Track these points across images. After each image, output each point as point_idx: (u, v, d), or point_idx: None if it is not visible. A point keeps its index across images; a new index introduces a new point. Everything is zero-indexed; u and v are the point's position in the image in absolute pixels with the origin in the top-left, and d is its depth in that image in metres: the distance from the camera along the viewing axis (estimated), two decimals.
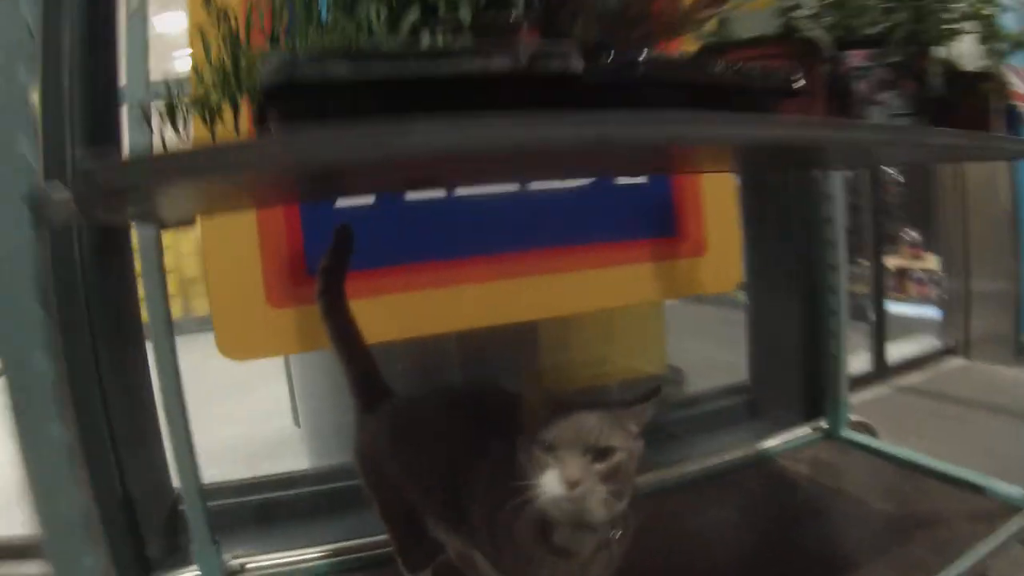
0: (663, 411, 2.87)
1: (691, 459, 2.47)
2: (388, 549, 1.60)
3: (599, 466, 1.08)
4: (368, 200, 2.23)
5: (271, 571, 1.96)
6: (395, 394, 1.64)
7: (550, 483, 1.08)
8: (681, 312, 4.58)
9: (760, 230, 3.19)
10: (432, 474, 1.39)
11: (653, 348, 3.28)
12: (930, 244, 5.69)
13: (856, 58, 1.54)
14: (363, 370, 1.63)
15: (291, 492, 2.53)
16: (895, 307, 5.59)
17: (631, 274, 2.62)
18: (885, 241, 5.70)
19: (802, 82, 1.24)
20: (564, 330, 2.83)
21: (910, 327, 5.18)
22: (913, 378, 4.32)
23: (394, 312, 2.24)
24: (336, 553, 1.99)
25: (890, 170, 6.14)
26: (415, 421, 1.49)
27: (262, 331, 2.10)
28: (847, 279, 2.72)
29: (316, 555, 2.00)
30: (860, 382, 4.10)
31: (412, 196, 2.27)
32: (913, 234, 6.13)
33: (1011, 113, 1.81)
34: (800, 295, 2.96)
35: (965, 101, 1.66)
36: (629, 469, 1.13)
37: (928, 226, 5.36)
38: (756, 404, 3.10)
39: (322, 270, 1.65)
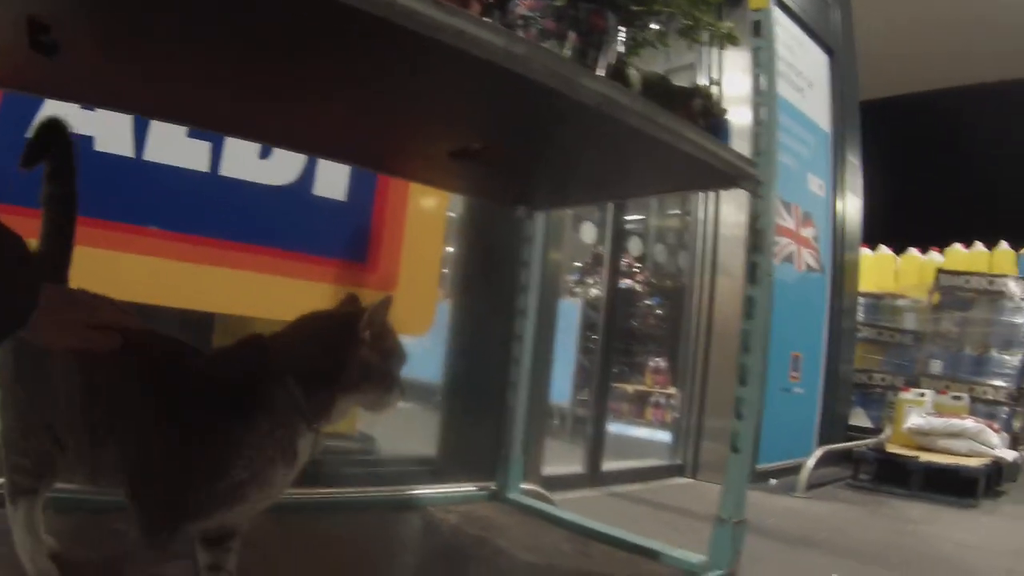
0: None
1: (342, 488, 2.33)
2: None
3: None
4: None
5: None
6: None
7: None
8: None
9: (465, 273, 3.10)
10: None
11: None
12: (674, 374, 5.85)
13: (524, 6, 1.45)
14: None
15: None
16: (631, 430, 5.75)
17: (309, 291, 2.42)
18: (630, 367, 6.15)
19: None
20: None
21: (641, 448, 5.35)
22: (631, 487, 4.37)
23: None
24: None
25: (652, 300, 6.34)
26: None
27: None
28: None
29: None
30: (571, 482, 4.04)
31: (104, 148, 2.06)
32: (660, 362, 6.28)
33: (717, 129, 1.81)
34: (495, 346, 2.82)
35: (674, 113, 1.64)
36: None
37: (675, 357, 5.53)
38: (442, 470, 2.92)
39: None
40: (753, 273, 1.91)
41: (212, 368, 1.29)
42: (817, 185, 5.53)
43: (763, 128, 1.91)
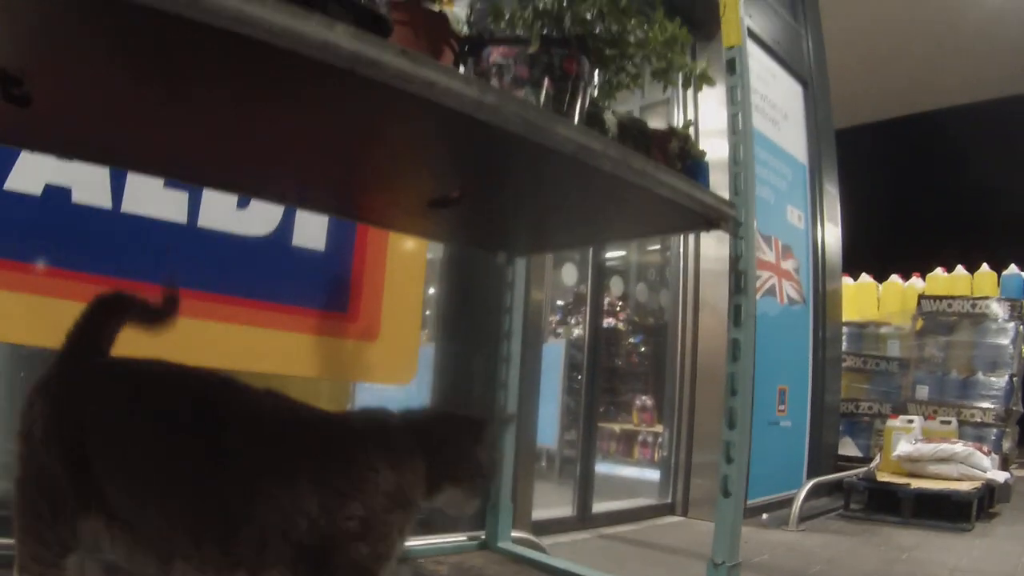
0: None
1: None
2: None
3: None
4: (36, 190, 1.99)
5: None
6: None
7: None
8: None
9: (447, 318, 3.09)
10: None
11: None
12: (661, 412, 5.85)
13: (497, 54, 1.45)
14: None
15: None
16: (619, 469, 5.74)
17: (289, 343, 2.39)
18: (616, 406, 6.21)
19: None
20: None
21: (631, 487, 5.34)
22: (622, 528, 4.35)
23: (32, 312, 1.97)
24: None
25: (635, 338, 6.38)
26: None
27: None
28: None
29: None
30: (562, 525, 4.02)
31: (81, 200, 2.05)
32: (645, 400, 6.27)
33: (695, 170, 1.83)
34: (480, 391, 2.80)
35: (650, 157, 1.64)
36: None
37: (661, 395, 5.53)
38: (430, 520, 2.88)
39: None
40: (737, 315, 1.90)
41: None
42: (796, 217, 5.56)
43: (740, 167, 1.90)
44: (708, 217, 1.85)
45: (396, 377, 2.67)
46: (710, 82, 1.82)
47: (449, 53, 1.38)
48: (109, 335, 1.39)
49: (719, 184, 1.90)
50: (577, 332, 5.61)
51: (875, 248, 7.77)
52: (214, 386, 1.33)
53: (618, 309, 6.21)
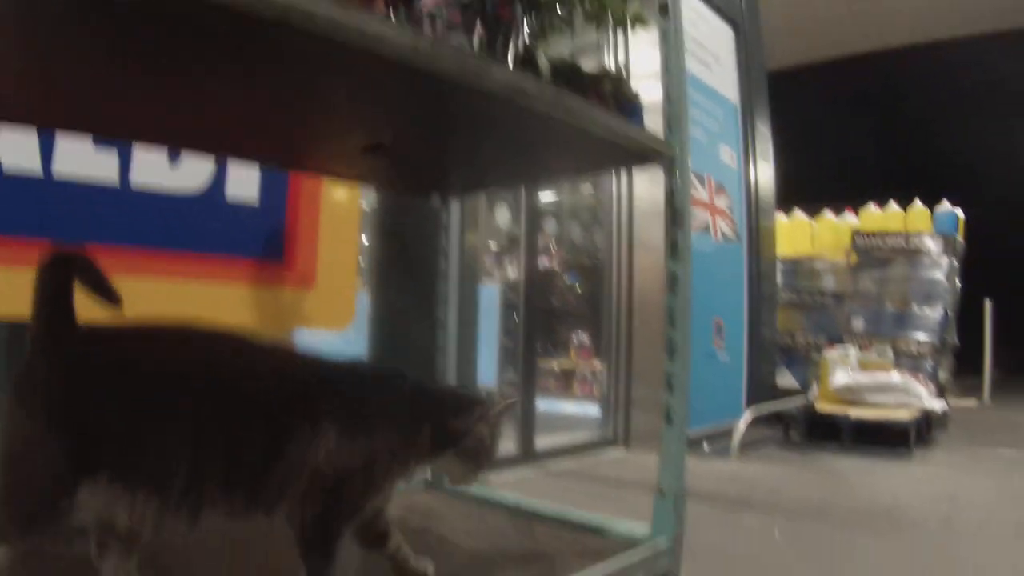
0: None
1: None
2: None
3: None
4: None
5: None
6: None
7: None
8: None
9: (382, 270, 3.09)
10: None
11: None
12: (598, 348, 5.91)
13: (429, 1, 1.44)
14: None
15: None
16: (559, 405, 5.80)
17: (227, 295, 2.38)
18: (554, 345, 6.31)
19: None
20: None
21: (571, 423, 5.43)
22: (566, 463, 4.42)
23: None
24: None
25: (569, 276, 6.42)
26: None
27: None
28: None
29: None
30: (506, 463, 4.07)
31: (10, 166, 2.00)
32: (582, 337, 6.34)
33: (630, 111, 1.83)
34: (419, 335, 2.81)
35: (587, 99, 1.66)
36: None
37: (598, 332, 5.59)
38: None
39: None
40: (674, 249, 1.93)
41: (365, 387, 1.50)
42: (729, 156, 5.61)
43: (673, 106, 1.92)
44: (642, 155, 1.88)
45: (334, 323, 2.67)
46: (643, 22, 1.84)
47: (380, 2, 1.38)
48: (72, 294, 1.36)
49: (654, 126, 1.91)
50: (512, 274, 5.63)
51: (808, 185, 7.85)
52: (226, 341, 1.42)
53: (552, 250, 6.25)
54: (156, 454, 1.24)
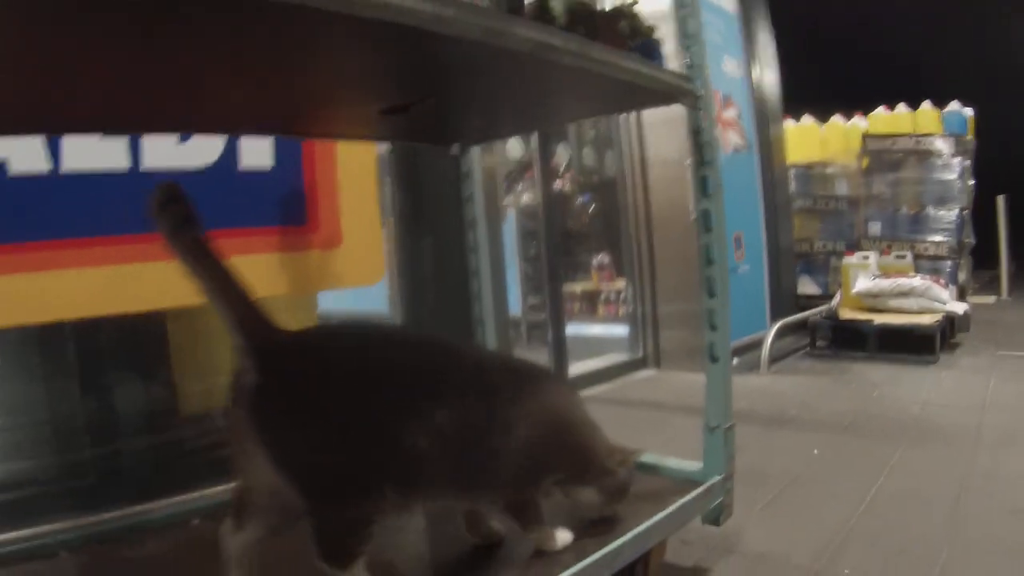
0: None
1: None
2: None
3: None
4: None
5: None
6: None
7: None
8: None
9: (407, 222, 3.06)
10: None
11: None
12: (620, 268, 5.91)
13: None
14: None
15: None
16: (585, 329, 5.80)
17: (255, 265, 2.35)
18: (573, 268, 6.30)
19: None
20: (197, 335, 2.49)
21: (600, 346, 5.40)
22: (601, 388, 4.48)
23: None
24: None
25: (583, 197, 6.37)
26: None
27: None
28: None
29: None
30: None
31: (19, 169, 1.95)
32: (602, 258, 6.32)
33: (648, 49, 1.79)
34: (448, 289, 2.81)
35: (601, 40, 1.61)
36: None
37: (618, 251, 5.57)
38: None
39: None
40: (704, 186, 1.92)
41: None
42: (732, 66, 5.52)
43: (692, 41, 1.91)
44: (667, 94, 1.85)
45: (365, 279, 2.66)
46: None
47: None
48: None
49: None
50: (525, 199, 5.60)
51: (815, 89, 7.73)
52: (442, 346, 1.49)
53: (563, 172, 6.20)
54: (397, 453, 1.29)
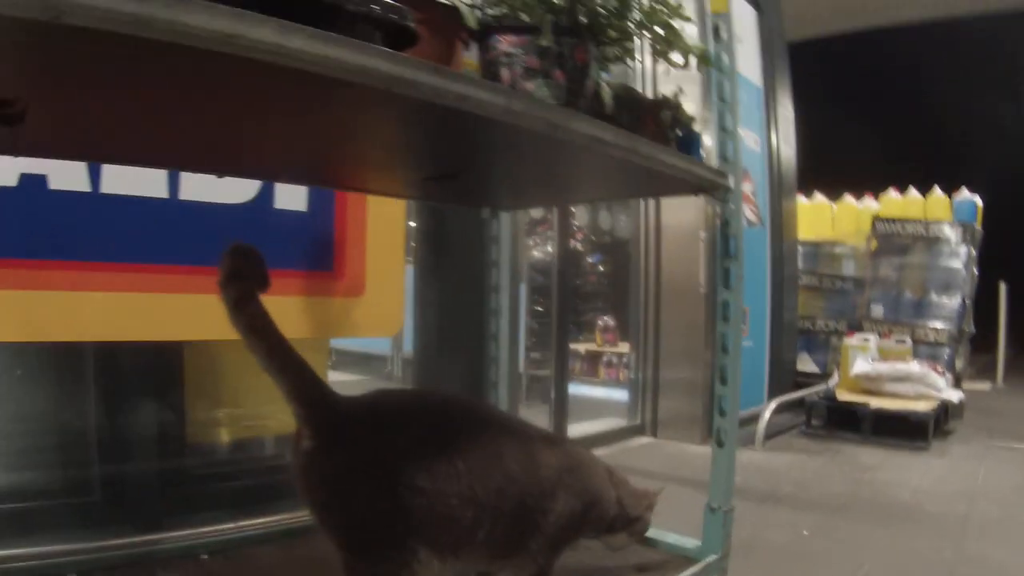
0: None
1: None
2: None
3: None
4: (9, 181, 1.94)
5: None
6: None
7: None
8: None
9: (429, 277, 3.10)
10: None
11: None
12: (624, 331, 5.93)
13: (506, 43, 1.46)
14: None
15: None
16: (585, 389, 5.80)
17: (277, 306, 2.38)
18: (578, 326, 6.27)
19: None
20: (213, 366, 2.53)
21: (598, 408, 5.41)
22: (598, 452, 4.35)
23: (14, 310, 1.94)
24: None
25: (593, 257, 6.44)
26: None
27: None
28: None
29: None
30: None
31: (58, 185, 2.00)
32: (608, 320, 6.35)
33: (688, 139, 1.87)
34: (466, 348, 2.85)
35: (644, 127, 1.68)
36: None
37: (624, 314, 5.60)
38: None
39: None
40: (727, 278, 1.97)
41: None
42: (752, 140, 5.59)
43: (728, 136, 1.95)
44: (700, 186, 1.91)
45: (383, 330, 2.73)
46: (708, 62, 1.85)
47: (461, 46, 1.40)
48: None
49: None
50: (536, 254, 5.62)
51: (829, 168, 7.81)
52: (478, 412, 1.65)
53: (576, 230, 6.24)
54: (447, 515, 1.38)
